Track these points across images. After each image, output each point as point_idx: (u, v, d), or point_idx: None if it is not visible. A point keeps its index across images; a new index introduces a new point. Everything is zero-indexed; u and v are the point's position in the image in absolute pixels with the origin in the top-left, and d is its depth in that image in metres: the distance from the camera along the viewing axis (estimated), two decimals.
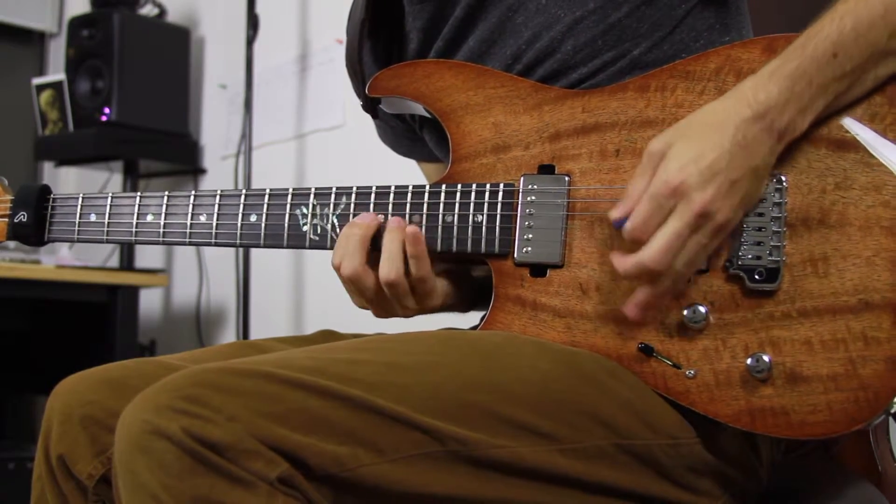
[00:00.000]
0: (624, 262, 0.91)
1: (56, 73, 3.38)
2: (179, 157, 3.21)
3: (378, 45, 1.22)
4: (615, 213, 0.92)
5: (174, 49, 3.20)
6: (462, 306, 1.14)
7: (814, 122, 0.91)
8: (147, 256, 3.34)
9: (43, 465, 1.00)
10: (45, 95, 3.15)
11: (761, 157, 0.89)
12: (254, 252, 2.82)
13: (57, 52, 3.71)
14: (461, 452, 0.84)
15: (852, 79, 0.90)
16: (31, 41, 3.80)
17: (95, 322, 2.87)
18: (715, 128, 0.90)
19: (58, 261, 2.87)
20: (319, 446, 0.79)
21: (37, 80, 3.20)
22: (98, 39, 3.02)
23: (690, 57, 0.99)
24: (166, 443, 0.76)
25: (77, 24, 3.09)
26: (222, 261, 3.05)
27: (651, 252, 0.89)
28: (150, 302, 3.26)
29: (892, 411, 0.88)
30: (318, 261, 2.86)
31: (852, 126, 0.92)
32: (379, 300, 1.05)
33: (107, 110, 2.98)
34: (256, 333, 2.78)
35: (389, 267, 1.01)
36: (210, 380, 0.79)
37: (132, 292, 2.86)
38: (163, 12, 3.22)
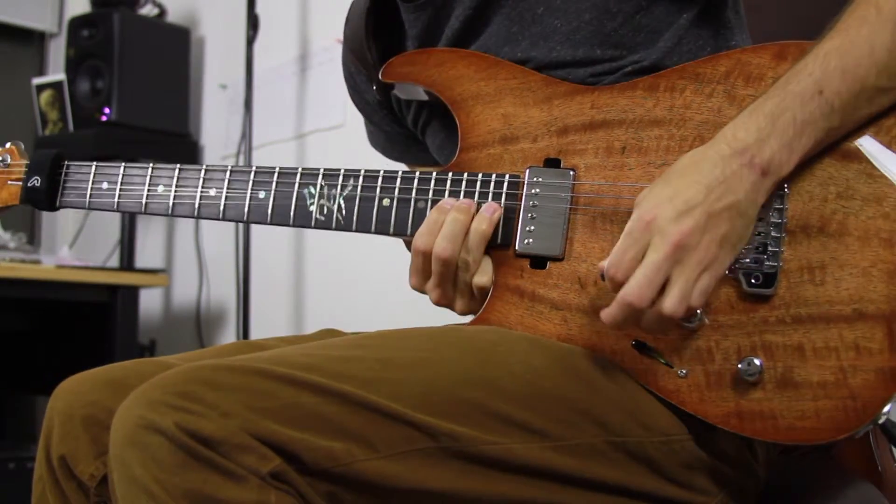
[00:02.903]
0: (608, 310, 0.90)
1: (56, 73, 3.38)
2: (179, 157, 3.20)
3: (379, 47, 1.22)
4: (602, 264, 0.92)
5: (174, 49, 3.20)
6: None
7: (804, 159, 0.90)
8: (147, 256, 3.34)
9: (44, 465, 1.00)
10: (45, 95, 3.15)
11: (743, 192, 0.89)
12: (254, 252, 2.82)
13: (57, 52, 3.71)
14: (454, 448, 0.85)
15: (843, 115, 0.89)
16: (31, 41, 3.80)
17: (95, 322, 2.87)
18: (692, 167, 0.90)
19: (58, 261, 2.87)
20: (313, 441, 0.79)
21: (37, 80, 3.20)
22: (98, 39, 3.02)
23: (700, 59, 1.00)
24: (160, 437, 0.77)
25: (77, 24, 3.09)
26: (222, 261, 3.05)
27: (629, 286, 0.88)
28: (150, 302, 3.27)
29: (880, 423, 0.87)
30: (319, 261, 2.86)
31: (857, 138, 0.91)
32: (448, 283, 1.05)
33: (107, 110, 2.98)
34: (256, 333, 2.79)
35: (446, 244, 1.01)
36: (204, 376, 0.80)
37: (132, 292, 2.86)
38: (163, 12, 3.22)
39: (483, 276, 1.03)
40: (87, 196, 1.18)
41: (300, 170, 1.10)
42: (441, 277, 1.04)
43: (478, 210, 1.03)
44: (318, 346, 0.91)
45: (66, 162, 1.20)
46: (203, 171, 1.13)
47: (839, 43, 0.90)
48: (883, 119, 0.91)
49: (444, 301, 1.06)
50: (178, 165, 1.14)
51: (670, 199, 0.89)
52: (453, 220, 1.02)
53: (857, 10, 0.91)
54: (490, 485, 0.86)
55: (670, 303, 0.88)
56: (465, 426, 0.85)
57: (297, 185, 1.10)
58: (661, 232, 0.88)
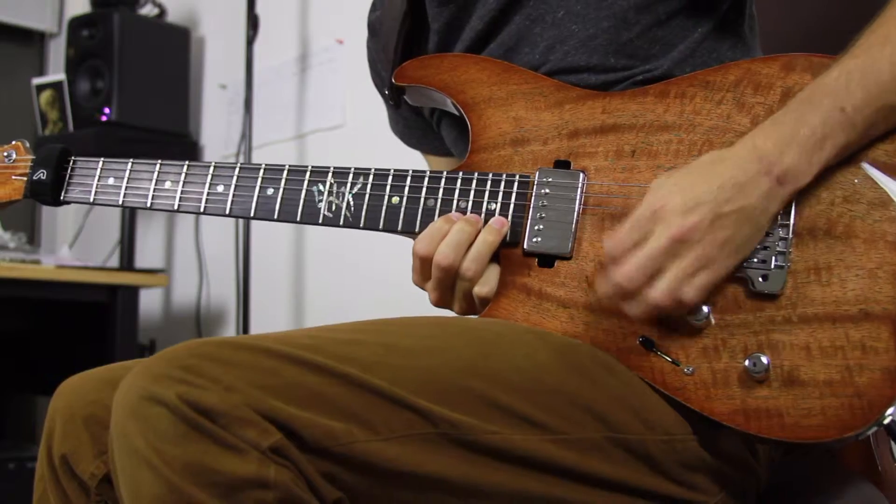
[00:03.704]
0: (602, 286, 0.94)
1: (56, 73, 3.39)
2: (179, 157, 3.18)
3: (404, 47, 1.23)
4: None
5: (174, 49, 3.20)
6: None
7: (824, 169, 0.91)
8: (147, 256, 3.34)
9: (45, 465, 1.00)
10: (45, 95, 3.15)
11: (755, 198, 0.90)
12: (254, 252, 2.82)
13: (57, 52, 3.71)
14: (453, 435, 0.85)
15: (862, 131, 0.90)
16: (31, 41, 3.80)
17: (95, 322, 2.87)
18: (709, 166, 0.92)
19: (58, 261, 2.87)
20: (314, 420, 0.79)
21: (37, 80, 3.20)
22: (98, 39, 3.02)
23: (710, 68, 1.01)
24: (162, 409, 0.77)
25: (77, 24, 3.09)
26: (222, 260, 3.05)
27: (622, 269, 0.90)
28: (150, 302, 3.27)
29: (885, 423, 0.88)
30: (319, 260, 2.86)
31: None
32: (448, 289, 1.06)
33: (107, 110, 2.98)
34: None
35: (448, 252, 1.02)
36: (209, 352, 0.80)
37: (132, 292, 2.86)
38: (163, 12, 3.22)
39: (485, 286, 1.04)
40: (93, 191, 1.18)
41: (310, 167, 1.11)
42: (440, 283, 1.05)
43: (486, 224, 1.03)
44: (323, 329, 0.91)
45: (72, 157, 1.20)
46: (212, 168, 1.14)
47: (862, 62, 0.91)
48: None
49: (442, 304, 1.07)
50: (187, 162, 1.15)
51: (681, 193, 0.90)
52: (459, 230, 1.03)
53: (880, 29, 0.92)
54: (488, 474, 0.87)
55: (655, 292, 0.90)
56: (466, 414, 0.86)
57: (306, 182, 1.10)
58: (664, 222, 0.89)
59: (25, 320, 3.18)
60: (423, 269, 1.05)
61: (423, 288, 1.08)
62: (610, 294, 0.93)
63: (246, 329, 2.78)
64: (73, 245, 3.42)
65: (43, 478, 1.01)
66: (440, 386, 0.86)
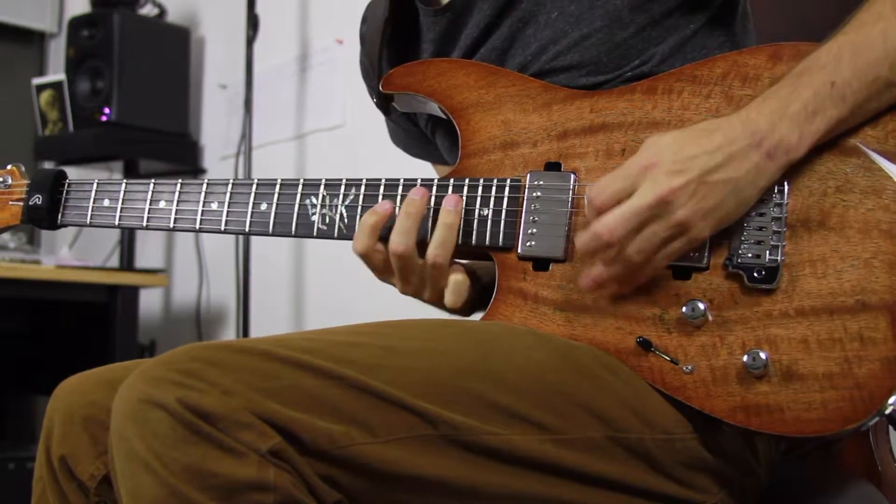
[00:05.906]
0: (581, 235, 0.94)
1: (56, 73, 3.38)
2: (179, 157, 3.21)
3: (393, 50, 1.23)
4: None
5: (174, 49, 3.20)
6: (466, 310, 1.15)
7: (814, 145, 0.91)
8: (147, 256, 3.34)
9: (44, 465, 1.01)
10: (45, 95, 3.15)
11: (743, 171, 0.90)
12: (254, 252, 2.82)
13: (57, 52, 3.71)
14: (453, 437, 0.85)
15: (853, 106, 0.90)
16: (31, 41, 3.80)
17: (95, 322, 2.87)
18: (703, 133, 0.92)
19: (58, 261, 2.87)
20: (313, 423, 0.80)
21: (37, 80, 3.20)
22: (98, 39, 3.02)
23: (697, 62, 1.01)
24: (161, 412, 0.77)
25: (77, 24, 3.09)
26: (222, 260, 3.05)
27: (606, 219, 0.91)
28: (150, 302, 3.26)
29: (887, 413, 0.88)
30: (319, 260, 2.86)
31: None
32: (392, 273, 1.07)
33: (107, 110, 2.98)
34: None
35: (399, 239, 1.03)
36: (207, 355, 0.81)
37: (132, 292, 2.87)
38: (163, 12, 3.22)
39: (454, 295, 1.05)
40: (89, 213, 1.20)
41: (302, 181, 1.11)
42: (402, 272, 1.05)
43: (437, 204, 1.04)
44: (322, 332, 0.92)
45: (67, 180, 1.22)
46: (205, 185, 1.15)
47: (854, 37, 0.91)
48: (881, 116, 0.92)
49: (411, 292, 1.08)
50: (180, 180, 1.16)
51: (674, 153, 0.91)
52: (406, 216, 1.03)
53: (874, 7, 0.92)
54: (488, 475, 0.87)
55: (632, 249, 0.91)
56: (465, 416, 0.86)
57: (298, 196, 1.11)
58: (653, 180, 0.90)
59: (25, 320, 3.18)
60: (372, 264, 1.06)
61: (389, 282, 1.09)
62: (587, 243, 0.93)
63: (246, 329, 2.78)
64: (73, 245, 3.42)
65: (42, 478, 1.01)
66: (439, 388, 0.86)
